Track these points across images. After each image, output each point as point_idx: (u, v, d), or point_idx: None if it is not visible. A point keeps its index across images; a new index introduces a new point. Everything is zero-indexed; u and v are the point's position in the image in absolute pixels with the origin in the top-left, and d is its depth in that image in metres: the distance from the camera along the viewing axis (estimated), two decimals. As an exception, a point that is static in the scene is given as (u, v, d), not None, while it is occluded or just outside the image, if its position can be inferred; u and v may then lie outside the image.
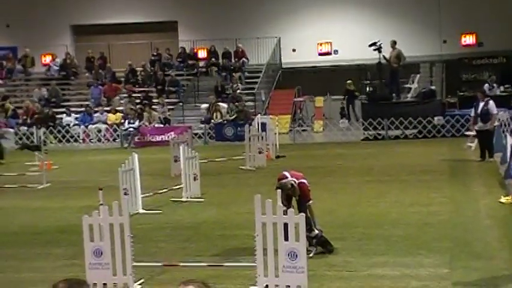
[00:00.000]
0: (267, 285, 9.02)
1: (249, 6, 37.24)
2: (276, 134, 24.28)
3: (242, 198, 15.20)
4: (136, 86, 35.53)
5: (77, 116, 32.96)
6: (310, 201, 10.80)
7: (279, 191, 10.04)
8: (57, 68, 37.42)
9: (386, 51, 28.67)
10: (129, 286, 9.33)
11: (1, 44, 39.37)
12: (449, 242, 11.14)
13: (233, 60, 36.15)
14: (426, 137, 27.44)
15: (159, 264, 10.22)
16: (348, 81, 34.00)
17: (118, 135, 31.01)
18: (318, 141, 28.95)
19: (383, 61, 28.64)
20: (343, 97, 34.01)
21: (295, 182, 10.70)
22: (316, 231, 10.60)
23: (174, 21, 38.27)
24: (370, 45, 28.15)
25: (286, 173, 10.93)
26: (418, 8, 35.81)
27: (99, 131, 31.93)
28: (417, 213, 13.43)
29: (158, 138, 29.97)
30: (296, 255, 8.79)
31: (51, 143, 30.44)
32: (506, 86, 30.96)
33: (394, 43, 28.88)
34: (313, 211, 10.80)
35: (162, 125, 31.26)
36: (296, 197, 10.75)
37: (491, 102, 20.44)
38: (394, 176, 18.19)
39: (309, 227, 10.25)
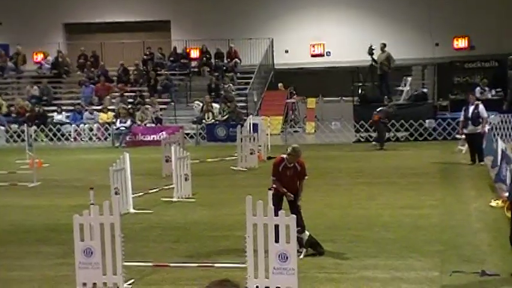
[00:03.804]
0: (257, 287, 9.02)
1: (242, 7, 37.23)
2: (267, 135, 24.25)
3: (233, 199, 15.19)
4: (129, 85, 35.46)
5: (68, 114, 32.86)
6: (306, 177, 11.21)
7: (270, 192, 10.08)
8: (48, 66, 37.28)
9: (377, 54, 28.75)
10: (119, 286, 9.31)
11: (-7, 41, 39.27)
12: (440, 245, 11.17)
13: (225, 61, 36.13)
14: (417, 139, 27.49)
15: (150, 264, 10.21)
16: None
17: (109, 134, 30.93)
18: (309, 143, 28.97)
19: (374, 63, 28.72)
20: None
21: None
22: (307, 233, 10.62)
23: (167, 21, 38.24)
24: (369, 53, 28.22)
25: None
26: (411, 11, 35.89)
27: (91, 129, 31.83)
28: (408, 216, 13.46)
29: (150, 137, 29.90)
30: (286, 257, 8.80)
31: (42, 141, 30.35)
32: (498, 89, 31.04)
33: (384, 45, 28.94)
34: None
35: (153, 125, 31.19)
36: (293, 163, 10.96)
37: (481, 105, 20.52)
38: (385, 179, 18.23)
39: (300, 229, 10.27)
